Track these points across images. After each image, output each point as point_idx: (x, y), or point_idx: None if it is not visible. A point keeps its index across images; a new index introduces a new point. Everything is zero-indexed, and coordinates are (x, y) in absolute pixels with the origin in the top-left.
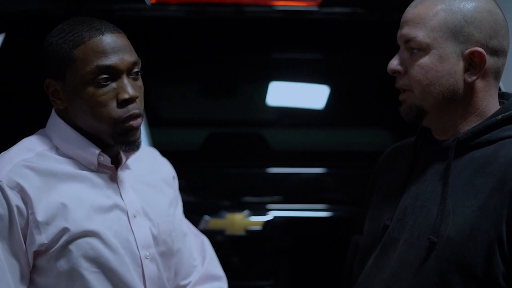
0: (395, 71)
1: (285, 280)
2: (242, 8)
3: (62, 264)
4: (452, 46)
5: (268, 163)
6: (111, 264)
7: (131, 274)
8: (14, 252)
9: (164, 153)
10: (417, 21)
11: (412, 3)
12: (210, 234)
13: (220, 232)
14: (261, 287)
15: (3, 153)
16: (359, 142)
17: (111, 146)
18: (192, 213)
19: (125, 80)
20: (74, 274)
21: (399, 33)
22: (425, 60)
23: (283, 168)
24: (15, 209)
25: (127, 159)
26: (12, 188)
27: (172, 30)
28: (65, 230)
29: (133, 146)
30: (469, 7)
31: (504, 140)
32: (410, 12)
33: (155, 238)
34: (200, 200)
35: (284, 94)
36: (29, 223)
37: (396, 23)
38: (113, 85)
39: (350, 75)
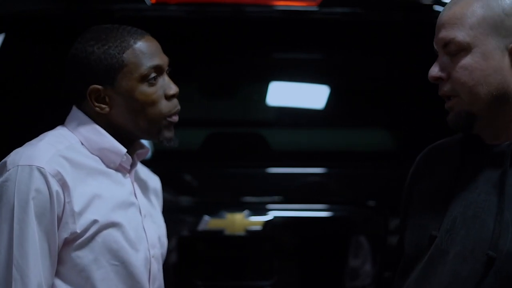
0: (437, 78)
1: (285, 280)
2: (242, 8)
3: (87, 254)
4: (494, 42)
5: (268, 163)
6: (130, 258)
7: (143, 271)
8: (48, 235)
9: (164, 153)
10: (454, 22)
11: (446, 6)
12: (210, 234)
13: (220, 232)
14: (261, 287)
15: (32, 143)
16: (359, 142)
17: (128, 148)
18: (192, 213)
19: (167, 76)
20: (95, 264)
21: (435, 39)
22: (467, 60)
23: (283, 168)
24: (55, 196)
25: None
26: (53, 176)
27: (172, 30)
28: (94, 221)
29: (174, 140)
30: (502, 2)
31: None
32: (445, 14)
33: (158, 239)
34: (200, 200)
35: (284, 94)
36: (65, 211)
37: (396, 23)
38: (160, 82)
39: (350, 75)
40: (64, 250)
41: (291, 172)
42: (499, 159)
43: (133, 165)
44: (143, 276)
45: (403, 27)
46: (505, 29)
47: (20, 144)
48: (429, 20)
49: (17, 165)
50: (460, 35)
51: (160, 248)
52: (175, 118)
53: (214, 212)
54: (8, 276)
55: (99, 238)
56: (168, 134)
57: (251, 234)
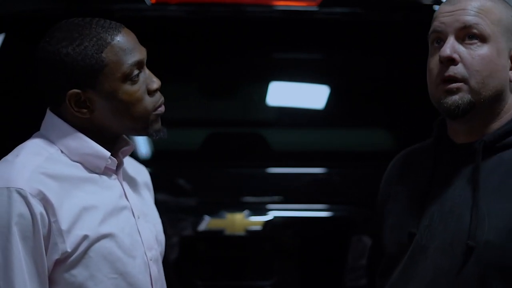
0: (451, 59)
1: (285, 280)
2: (242, 8)
3: (81, 271)
4: (505, 43)
5: (268, 163)
6: (127, 268)
7: (143, 278)
8: (35, 260)
9: (164, 153)
10: (477, 11)
11: None
12: (210, 234)
13: (220, 232)
14: (261, 287)
15: (8, 160)
16: (359, 142)
17: (112, 147)
18: (192, 213)
19: (147, 70)
20: (92, 281)
21: (447, 19)
22: (485, 51)
23: (283, 168)
24: (39, 218)
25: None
26: (34, 196)
27: (172, 30)
28: (85, 237)
29: (163, 132)
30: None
31: None
32: (464, 2)
33: (155, 239)
34: (200, 200)
35: (284, 94)
36: (52, 232)
37: (396, 23)
38: (142, 77)
39: (350, 75)
40: (56, 271)
41: (291, 172)
42: (471, 156)
43: (119, 165)
44: (144, 284)
45: (403, 27)
46: None
47: (19, 144)
48: (429, 20)
49: None
50: (484, 24)
51: (158, 247)
52: (162, 109)
53: (214, 212)
54: None
55: (91, 253)
56: (157, 126)
57: (251, 234)
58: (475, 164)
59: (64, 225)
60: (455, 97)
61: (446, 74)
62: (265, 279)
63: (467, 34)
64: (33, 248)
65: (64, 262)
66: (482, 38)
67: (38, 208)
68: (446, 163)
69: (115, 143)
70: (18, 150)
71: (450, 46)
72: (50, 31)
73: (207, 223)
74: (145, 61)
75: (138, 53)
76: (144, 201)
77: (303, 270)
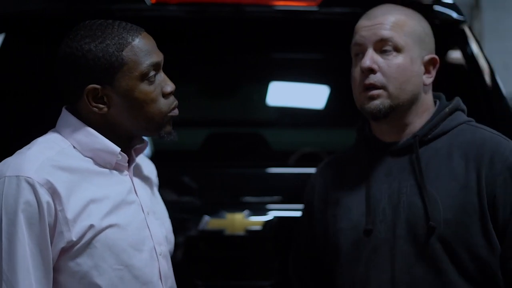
0: (371, 69)
1: (285, 280)
2: (242, 8)
3: (86, 260)
4: (418, 52)
5: (268, 163)
6: (132, 260)
7: (150, 272)
8: (40, 247)
9: (164, 153)
10: (392, 25)
11: (378, 12)
12: (210, 234)
13: (220, 232)
14: (261, 287)
15: (21, 152)
16: None
17: (125, 144)
18: (192, 213)
19: (163, 73)
20: (96, 270)
21: (366, 33)
22: (400, 60)
23: (283, 168)
24: (45, 206)
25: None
26: (42, 185)
27: (172, 30)
28: (90, 226)
29: (174, 135)
30: (424, 23)
31: (456, 128)
32: (380, 17)
33: (165, 236)
34: (200, 200)
35: (284, 94)
36: (58, 221)
37: None
38: (157, 79)
39: (350, 75)
40: (61, 259)
41: (291, 172)
42: (404, 151)
43: (131, 161)
44: (151, 278)
45: None
46: (425, 44)
47: (20, 144)
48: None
49: (4, 176)
50: (398, 36)
51: (167, 245)
52: (175, 112)
53: (214, 212)
54: None
55: (97, 243)
56: (169, 128)
57: (251, 234)
58: (412, 156)
59: (70, 215)
60: (377, 102)
61: (367, 82)
62: (265, 279)
63: (383, 46)
64: (38, 235)
65: (70, 250)
66: (397, 49)
67: (45, 197)
68: (381, 160)
69: (130, 141)
70: (31, 143)
71: (370, 58)
72: (73, 30)
73: (207, 223)
74: (161, 64)
75: (156, 56)
76: (155, 199)
77: None
